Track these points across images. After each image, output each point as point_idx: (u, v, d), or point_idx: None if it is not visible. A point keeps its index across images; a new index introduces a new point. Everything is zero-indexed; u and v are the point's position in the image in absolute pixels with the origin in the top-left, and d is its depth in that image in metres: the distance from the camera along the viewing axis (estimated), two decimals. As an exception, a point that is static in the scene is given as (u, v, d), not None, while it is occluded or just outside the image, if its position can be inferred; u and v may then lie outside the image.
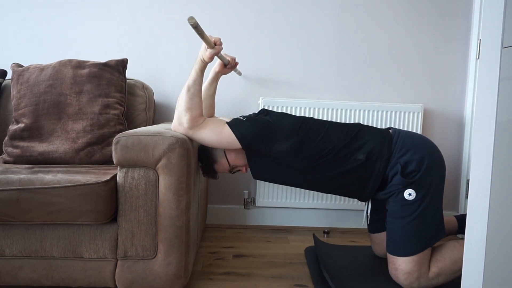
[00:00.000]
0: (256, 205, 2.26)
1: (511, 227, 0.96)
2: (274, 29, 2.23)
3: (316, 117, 1.94)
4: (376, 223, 1.73)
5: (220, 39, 1.50)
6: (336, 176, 1.54)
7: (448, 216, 1.89)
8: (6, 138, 1.80)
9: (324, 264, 1.64)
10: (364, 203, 1.86)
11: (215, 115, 2.01)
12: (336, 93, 2.27)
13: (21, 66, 1.92)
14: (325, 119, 2.03)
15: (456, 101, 2.30)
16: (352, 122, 2.16)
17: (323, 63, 2.26)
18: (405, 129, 2.18)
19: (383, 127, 2.12)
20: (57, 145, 1.73)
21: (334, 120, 2.12)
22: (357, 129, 1.57)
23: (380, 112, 2.19)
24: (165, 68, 2.23)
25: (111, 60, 1.87)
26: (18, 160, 1.74)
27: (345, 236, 2.19)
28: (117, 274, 1.40)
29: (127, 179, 1.38)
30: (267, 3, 2.22)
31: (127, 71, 1.92)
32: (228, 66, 1.80)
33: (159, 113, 2.22)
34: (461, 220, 1.84)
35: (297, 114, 2.15)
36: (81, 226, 1.38)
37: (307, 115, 2.16)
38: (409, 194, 1.49)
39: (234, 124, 1.52)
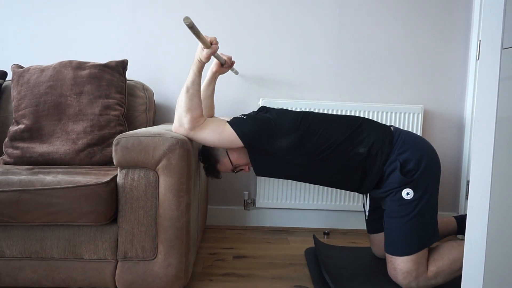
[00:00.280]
0: (256, 206, 2.26)
1: (511, 227, 0.96)
2: (274, 29, 2.23)
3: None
4: (375, 223, 1.73)
5: (216, 38, 1.50)
6: (337, 170, 1.55)
7: (447, 216, 1.89)
8: (7, 139, 1.80)
9: (324, 265, 1.63)
10: (363, 202, 1.86)
11: (215, 115, 2.01)
12: (336, 93, 2.27)
13: (22, 67, 1.92)
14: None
15: (456, 102, 2.30)
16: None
17: (323, 64, 2.26)
18: (406, 129, 2.18)
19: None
20: (57, 146, 1.74)
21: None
22: (359, 122, 1.57)
23: (380, 113, 2.19)
24: (165, 69, 2.23)
25: (111, 61, 1.87)
26: (18, 161, 1.74)
27: (345, 237, 2.19)
28: (117, 275, 1.40)
29: (127, 180, 1.38)
30: (267, 3, 2.22)
31: (127, 72, 1.92)
32: (225, 65, 1.81)
33: (159, 114, 2.22)
34: (461, 220, 1.83)
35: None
36: (81, 227, 1.38)
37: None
38: (407, 193, 1.49)
39: (235, 123, 1.52)
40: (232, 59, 1.84)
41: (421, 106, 2.21)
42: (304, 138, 1.51)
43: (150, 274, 1.39)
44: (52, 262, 1.39)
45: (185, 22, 1.20)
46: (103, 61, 1.88)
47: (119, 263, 1.40)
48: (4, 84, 2.00)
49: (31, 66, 1.89)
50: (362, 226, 2.05)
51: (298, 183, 2.21)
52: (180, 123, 1.48)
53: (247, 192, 2.29)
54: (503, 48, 0.95)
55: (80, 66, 1.83)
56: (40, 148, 1.74)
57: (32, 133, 1.76)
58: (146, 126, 1.97)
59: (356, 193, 2.21)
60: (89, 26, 2.20)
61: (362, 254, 1.88)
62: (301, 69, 2.26)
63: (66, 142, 1.74)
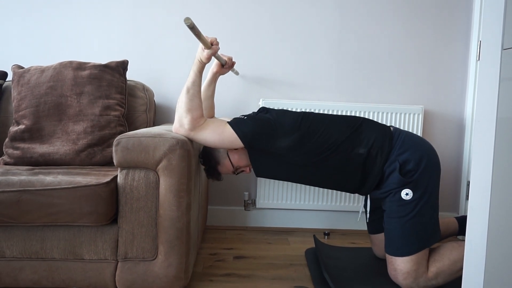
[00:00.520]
0: (257, 206, 2.26)
1: (511, 228, 0.96)
2: (274, 29, 2.23)
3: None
4: (375, 223, 1.73)
5: (216, 39, 1.51)
6: (337, 170, 1.55)
7: (449, 217, 1.89)
8: (7, 139, 1.80)
9: (324, 265, 1.63)
10: (363, 204, 1.86)
11: (216, 116, 2.01)
12: (336, 94, 2.27)
13: (22, 67, 1.92)
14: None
15: (456, 102, 2.30)
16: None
17: (324, 64, 2.26)
18: (405, 130, 2.18)
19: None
20: (57, 147, 1.74)
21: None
22: (359, 122, 1.57)
23: (380, 114, 2.19)
24: (165, 70, 2.23)
25: (112, 62, 1.88)
26: (18, 161, 1.74)
27: (345, 238, 2.19)
28: (118, 275, 1.40)
29: (127, 180, 1.38)
30: (267, 4, 2.22)
31: (127, 72, 1.92)
32: (226, 66, 1.81)
33: (159, 114, 2.22)
34: (462, 221, 1.83)
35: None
36: (82, 228, 1.38)
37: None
38: (406, 194, 1.49)
39: (235, 123, 1.52)
40: (233, 60, 1.84)
41: (421, 107, 2.21)
42: (304, 138, 1.51)
43: (151, 275, 1.39)
44: (52, 262, 1.39)
45: (186, 23, 1.20)
46: (104, 62, 1.89)
47: (119, 264, 1.40)
48: (4, 85, 2.00)
49: (32, 66, 1.89)
50: (362, 226, 2.04)
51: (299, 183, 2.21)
52: (180, 124, 1.48)
53: (247, 193, 2.29)
54: (503, 49, 0.95)
55: (80, 66, 1.83)
56: (40, 148, 1.74)
57: (33, 134, 1.76)
58: (146, 127, 1.97)
59: (356, 194, 2.21)
60: (90, 27, 2.20)
61: (363, 255, 1.88)
62: (302, 69, 2.26)
63: (66, 143, 1.74)
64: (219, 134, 1.51)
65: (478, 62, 2.13)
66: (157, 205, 1.38)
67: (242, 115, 1.62)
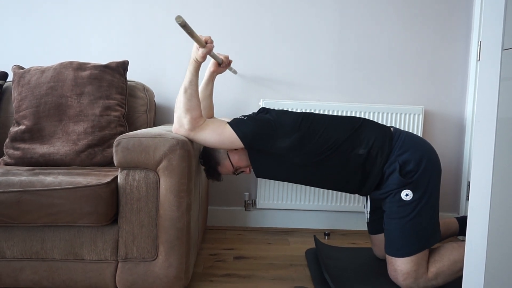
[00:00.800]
0: (257, 207, 2.26)
1: (511, 228, 0.96)
2: (274, 29, 2.23)
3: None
4: (375, 224, 1.73)
5: (210, 37, 1.50)
6: (337, 171, 1.55)
7: (449, 217, 1.89)
8: (7, 140, 1.80)
9: (324, 265, 1.63)
10: (363, 204, 1.86)
11: (216, 116, 2.01)
12: (337, 94, 2.27)
13: (22, 68, 1.92)
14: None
15: (456, 102, 2.30)
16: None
17: (324, 65, 2.26)
18: (406, 130, 2.18)
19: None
20: (58, 147, 1.74)
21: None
22: (359, 123, 1.57)
23: (380, 114, 2.19)
24: (165, 70, 2.23)
25: (112, 62, 1.88)
26: (19, 162, 1.74)
27: (345, 238, 2.19)
28: (118, 276, 1.40)
29: (128, 181, 1.38)
30: (267, 3, 2.22)
31: (127, 73, 1.92)
32: (223, 64, 1.81)
33: (159, 115, 2.22)
34: (462, 222, 1.83)
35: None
36: (82, 228, 1.38)
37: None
38: (406, 194, 1.49)
39: (235, 124, 1.52)
40: (230, 58, 1.84)
41: (421, 107, 2.21)
42: (304, 139, 1.51)
43: (151, 275, 1.39)
44: (53, 263, 1.39)
45: (177, 21, 1.19)
46: (104, 62, 1.89)
47: (119, 264, 1.40)
48: (4, 85, 2.00)
49: (32, 67, 1.90)
50: (363, 227, 2.04)
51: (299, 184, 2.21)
52: (180, 124, 1.48)
53: (247, 193, 2.29)
54: (503, 49, 0.95)
55: (80, 67, 1.83)
56: (40, 149, 1.74)
57: (33, 134, 1.76)
58: (146, 127, 1.97)
59: (357, 195, 2.21)
60: (90, 27, 2.21)
61: (363, 255, 1.88)
62: (302, 69, 2.26)
63: (66, 143, 1.74)
64: (219, 134, 1.51)
65: (479, 62, 2.13)
66: (158, 205, 1.38)
67: (242, 116, 1.62)
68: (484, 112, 1.00)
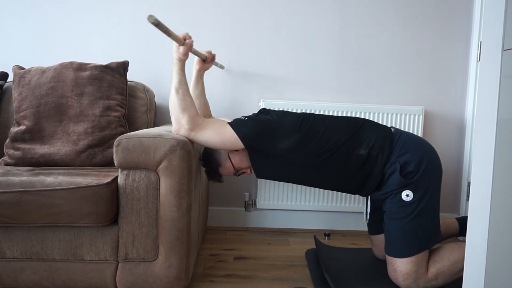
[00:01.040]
0: (257, 207, 2.26)
1: (512, 229, 0.96)
2: (274, 30, 2.24)
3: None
4: (375, 224, 1.73)
5: (188, 33, 1.50)
6: (338, 172, 1.55)
7: (449, 218, 1.89)
8: (8, 140, 1.80)
9: (325, 266, 1.63)
10: (364, 204, 1.86)
11: (215, 116, 2.01)
12: (337, 95, 2.27)
13: (23, 68, 1.92)
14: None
15: (457, 103, 2.30)
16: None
17: (324, 65, 2.26)
18: (406, 131, 2.18)
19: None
20: (58, 147, 1.74)
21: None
22: (359, 124, 1.57)
23: (380, 114, 2.19)
24: (166, 70, 2.23)
25: (112, 63, 1.88)
26: (19, 162, 1.74)
27: (346, 238, 2.19)
28: (118, 276, 1.40)
29: (128, 181, 1.38)
30: (267, 3, 2.22)
31: (128, 73, 1.92)
32: (207, 60, 1.82)
33: (160, 115, 2.22)
34: (462, 222, 1.83)
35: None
36: (82, 228, 1.38)
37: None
38: (407, 195, 1.49)
39: (236, 124, 1.52)
40: (213, 52, 1.84)
41: (421, 107, 2.21)
42: (304, 140, 1.51)
43: (151, 275, 1.39)
44: (53, 263, 1.39)
45: (150, 21, 1.18)
46: (104, 62, 1.89)
47: (119, 264, 1.40)
48: (5, 85, 2.00)
49: (32, 67, 1.90)
50: (363, 227, 2.04)
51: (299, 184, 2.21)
52: (179, 125, 1.48)
53: (247, 193, 2.29)
54: (503, 50, 0.95)
55: (81, 67, 1.84)
56: (41, 149, 1.74)
57: (33, 134, 1.76)
58: (147, 127, 1.97)
59: (357, 195, 2.21)
60: (90, 28, 2.21)
61: (363, 255, 1.88)
62: (302, 69, 2.26)
63: (67, 143, 1.74)
64: (219, 134, 1.50)
65: (479, 63, 2.13)
66: (158, 205, 1.38)
67: (243, 116, 1.62)
68: (484, 112, 1.00)
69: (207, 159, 1.66)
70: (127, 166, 1.37)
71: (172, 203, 1.37)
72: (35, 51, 2.20)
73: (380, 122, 2.15)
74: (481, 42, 2.12)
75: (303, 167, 1.55)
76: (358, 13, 2.24)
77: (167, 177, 1.37)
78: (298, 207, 2.25)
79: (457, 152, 2.32)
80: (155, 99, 2.14)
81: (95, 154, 1.75)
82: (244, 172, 1.68)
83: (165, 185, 1.37)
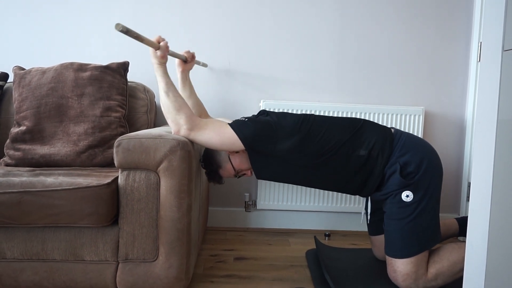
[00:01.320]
0: (257, 207, 2.26)
1: (512, 230, 0.96)
2: (275, 30, 2.24)
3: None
4: (376, 225, 1.73)
5: (160, 36, 1.51)
6: (338, 172, 1.54)
7: (449, 218, 1.89)
8: (8, 140, 1.80)
9: (325, 266, 1.63)
10: (362, 205, 1.86)
11: (213, 116, 2.00)
12: (337, 95, 2.27)
13: (23, 69, 1.93)
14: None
15: (457, 103, 2.30)
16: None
17: (324, 66, 2.26)
18: (406, 131, 2.18)
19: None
20: (58, 148, 1.74)
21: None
22: (359, 124, 1.57)
23: (381, 115, 2.19)
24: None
25: (113, 63, 1.88)
26: (19, 162, 1.74)
27: (346, 239, 2.19)
28: (118, 277, 1.40)
29: (128, 181, 1.38)
30: (267, 4, 2.22)
31: (128, 73, 1.92)
32: (188, 60, 1.82)
33: (160, 116, 2.22)
34: (462, 222, 1.83)
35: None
36: (82, 229, 1.38)
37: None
38: (407, 195, 1.49)
39: (236, 125, 1.52)
40: (191, 51, 1.84)
41: (422, 108, 2.21)
42: (304, 141, 1.51)
43: (151, 276, 1.39)
44: (53, 263, 1.39)
45: (118, 29, 1.18)
46: (104, 63, 1.89)
47: (120, 265, 1.40)
48: (5, 86, 2.00)
49: (33, 68, 1.90)
50: (363, 227, 2.04)
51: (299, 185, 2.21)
52: (178, 126, 1.48)
53: (248, 194, 2.29)
54: (504, 50, 0.95)
55: (81, 68, 1.84)
56: (41, 149, 1.74)
57: (34, 135, 1.76)
58: (147, 128, 1.97)
59: (357, 196, 2.21)
60: (90, 28, 2.21)
61: (363, 256, 1.88)
62: (302, 70, 2.26)
63: (67, 144, 1.74)
64: (219, 134, 1.50)
65: (479, 63, 2.13)
66: (158, 206, 1.38)
67: (243, 117, 1.61)
68: (484, 113, 1.00)
69: (208, 160, 1.66)
70: (127, 167, 1.38)
71: (173, 203, 1.37)
72: (35, 51, 2.21)
73: (380, 123, 2.15)
74: (481, 42, 2.12)
75: (303, 168, 1.55)
76: (358, 13, 2.24)
77: (167, 177, 1.37)
78: (299, 208, 2.25)
79: (457, 152, 2.32)
80: (155, 100, 2.14)
81: (96, 154, 1.75)
82: (244, 174, 1.68)
83: (166, 185, 1.37)
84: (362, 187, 1.57)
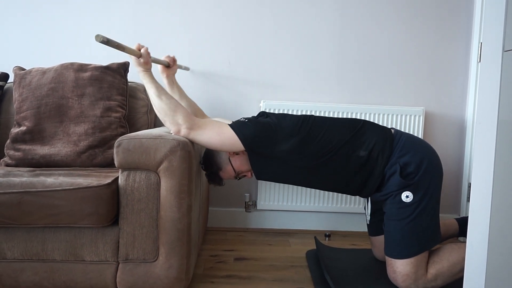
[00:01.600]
0: (258, 208, 2.26)
1: (513, 230, 0.95)
2: (275, 30, 2.23)
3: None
4: (376, 225, 1.73)
5: (139, 43, 1.53)
6: (338, 173, 1.55)
7: (449, 218, 1.89)
8: (8, 141, 1.80)
9: (325, 266, 1.63)
10: (364, 205, 1.86)
11: (210, 116, 2.00)
12: (337, 96, 2.27)
13: (23, 69, 1.93)
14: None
15: (457, 104, 2.30)
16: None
17: (324, 66, 2.26)
18: (407, 132, 2.18)
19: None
20: (58, 148, 1.74)
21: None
22: (359, 125, 1.57)
23: (381, 115, 2.19)
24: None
25: (113, 63, 1.88)
26: (20, 163, 1.74)
27: (346, 239, 2.19)
28: (119, 277, 1.40)
29: (128, 182, 1.38)
30: (267, 4, 2.22)
31: (128, 74, 1.92)
32: (171, 64, 1.84)
33: (160, 116, 2.22)
34: (462, 223, 1.83)
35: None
36: (83, 229, 1.38)
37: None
38: (407, 196, 1.49)
39: (236, 125, 1.52)
40: (172, 56, 1.86)
41: (422, 108, 2.21)
42: (304, 142, 1.51)
43: (151, 276, 1.39)
44: (53, 264, 1.39)
45: (97, 40, 1.20)
46: (105, 63, 1.89)
47: (120, 265, 1.40)
48: (6, 86, 2.01)
49: (33, 68, 1.90)
50: (363, 228, 2.04)
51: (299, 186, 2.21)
52: (177, 126, 1.47)
53: (248, 194, 2.29)
54: (504, 51, 0.95)
55: (81, 68, 1.84)
56: (41, 150, 1.74)
57: (34, 135, 1.76)
58: (147, 128, 1.97)
59: (357, 196, 2.21)
60: (90, 28, 2.21)
61: (363, 256, 1.87)
62: (302, 70, 2.26)
63: (67, 144, 1.74)
64: (219, 134, 1.50)
65: (479, 63, 2.13)
66: (158, 206, 1.38)
67: (243, 118, 1.61)
68: (485, 113, 1.00)
69: (208, 162, 1.66)
70: (127, 167, 1.38)
71: (173, 203, 1.37)
72: (35, 51, 2.21)
73: (380, 123, 2.16)
74: (481, 42, 2.12)
75: (303, 168, 1.55)
76: (358, 13, 2.24)
77: (167, 177, 1.37)
78: (299, 208, 2.25)
79: (457, 153, 2.32)
80: (156, 100, 2.14)
81: (96, 155, 1.75)
82: (244, 176, 1.68)
83: (166, 185, 1.37)
84: (362, 187, 1.57)
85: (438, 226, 1.54)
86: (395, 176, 1.49)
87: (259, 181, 2.23)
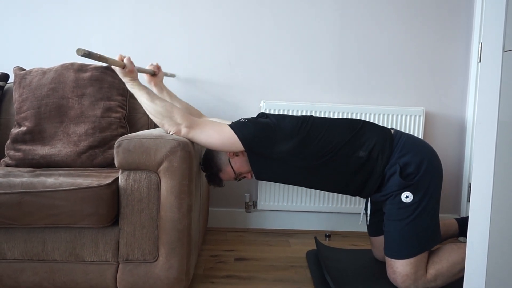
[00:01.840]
0: (258, 208, 2.26)
1: (513, 230, 0.96)
2: (275, 30, 2.23)
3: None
4: (376, 226, 1.73)
5: (121, 54, 1.52)
6: (338, 173, 1.55)
7: (449, 219, 1.89)
8: (8, 141, 1.80)
9: (325, 267, 1.63)
10: (361, 206, 1.86)
11: (213, 117, 2.00)
12: (337, 96, 2.27)
13: (23, 69, 1.92)
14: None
15: (457, 104, 2.30)
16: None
17: (324, 66, 2.26)
18: (407, 132, 2.18)
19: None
20: (59, 148, 1.74)
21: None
22: (359, 125, 1.57)
23: (381, 116, 2.19)
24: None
25: (113, 64, 1.88)
26: (20, 163, 1.74)
27: (346, 239, 2.19)
28: (119, 277, 1.40)
29: (128, 182, 1.38)
30: (268, 4, 2.22)
31: (128, 74, 1.92)
32: (156, 72, 1.85)
33: (160, 116, 2.22)
34: (462, 223, 1.83)
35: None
36: (83, 229, 1.38)
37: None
38: (406, 196, 1.49)
39: (236, 125, 1.52)
40: (156, 64, 1.87)
41: (422, 109, 2.21)
42: (304, 143, 1.51)
43: (152, 277, 1.39)
44: (54, 264, 1.39)
45: (79, 54, 1.19)
46: (105, 64, 1.88)
47: (120, 266, 1.40)
48: (6, 87, 2.01)
49: (33, 68, 1.90)
50: (363, 228, 2.04)
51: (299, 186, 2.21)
52: (176, 126, 1.47)
53: (248, 194, 2.29)
54: (504, 51, 0.95)
55: (81, 68, 1.84)
56: (42, 150, 1.74)
57: (34, 135, 1.76)
58: (147, 129, 1.97)
59: (357, 196, 2.21)
60: (91, 28, 2.21)
61: (363, 257, 1.88)
62: (302, 70, 2.26)
63: (67, 144, 1.74)
64: (219, 133, 1.50)
65: (479, 64, 2.13)
66: (158, 206, 1.38)
67: (243, 118, 1.61)
68: (485, 114, 1.00)
69: (208, 163, 1.66)
70: (127, 167, 1.38)
71: (173, 204, 1.37)
72: (35, 51, 2.21)
73: (380, 124, 2.16)
74: (481, 43, 2.12)
75: (303, 169, 1.55)
76: (358, 13, 2.24)
77: (167, 178, 1.37)
78: (299, 208, 2.25)
79: (457, 153, 2.32)
80: (156, 100, 2.14)
81: (96, 155, 1.75)
82: (244, 177, 1.68)
83: (166, 186, 1.37)
84: (362, 188, 1.57)
85: (438, 227, 1.54)
86: (395, 177, 1.49)
87: (259, 181, 2.22)
